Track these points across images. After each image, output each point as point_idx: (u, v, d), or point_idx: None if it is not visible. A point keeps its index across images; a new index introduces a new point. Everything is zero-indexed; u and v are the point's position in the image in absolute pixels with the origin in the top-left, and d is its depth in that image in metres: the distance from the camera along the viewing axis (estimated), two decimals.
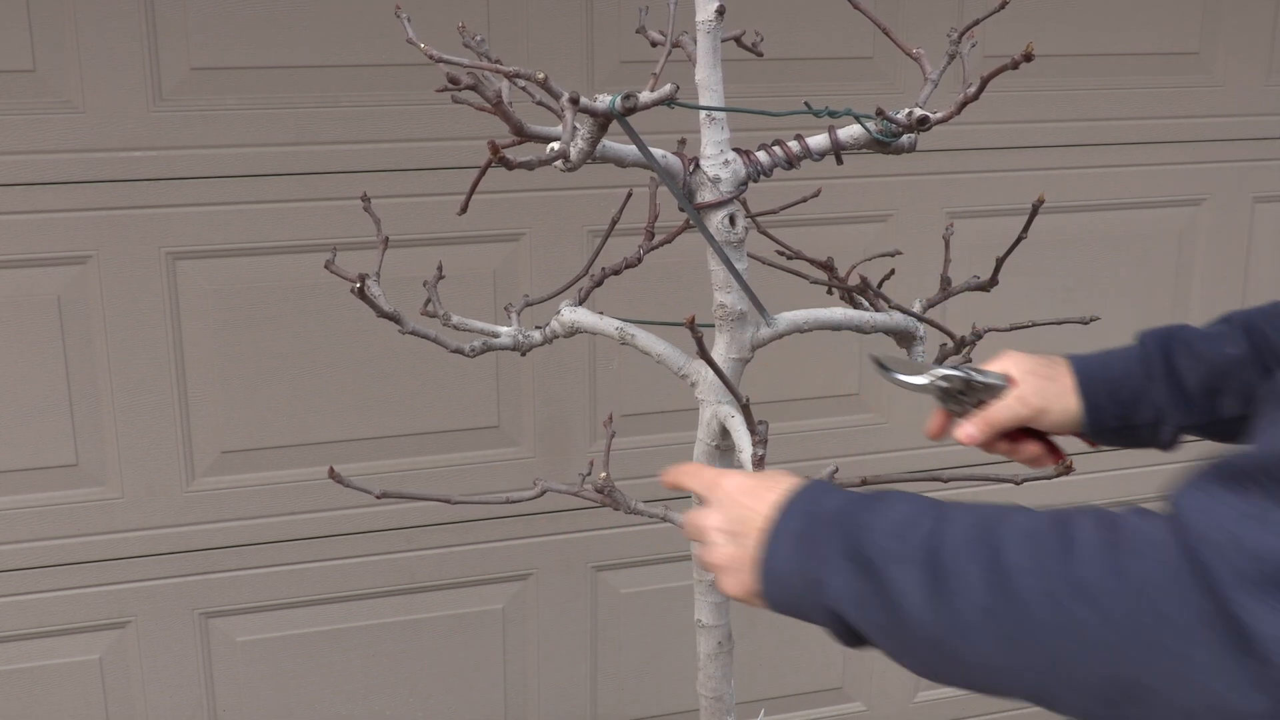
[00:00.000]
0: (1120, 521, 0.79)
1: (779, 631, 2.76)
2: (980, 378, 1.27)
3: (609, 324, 1.42)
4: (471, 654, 2.55)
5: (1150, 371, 1.26)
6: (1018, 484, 1.44)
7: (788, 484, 1.00)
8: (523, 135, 1.09)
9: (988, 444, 1.28)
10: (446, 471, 2.42)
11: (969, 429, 1.26)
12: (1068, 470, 1.33)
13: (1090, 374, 1.27)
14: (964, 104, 1.17)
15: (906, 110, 1.21)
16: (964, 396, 1.27)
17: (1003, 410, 1.25)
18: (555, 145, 1.08)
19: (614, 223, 1.56)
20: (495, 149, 1.02)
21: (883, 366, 1.33)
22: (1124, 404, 1.26)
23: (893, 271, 1.63)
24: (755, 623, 2.72)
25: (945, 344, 1.50)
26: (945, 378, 1.27)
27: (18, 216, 2.12)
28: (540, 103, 1.22)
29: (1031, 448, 1.29)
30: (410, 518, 2.43)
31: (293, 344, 2.30)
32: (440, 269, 1.54)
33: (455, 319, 1.46)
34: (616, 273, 1.52)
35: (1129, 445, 1.31)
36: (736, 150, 1.27)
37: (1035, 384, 1.26)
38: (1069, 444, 1.34)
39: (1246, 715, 0.70)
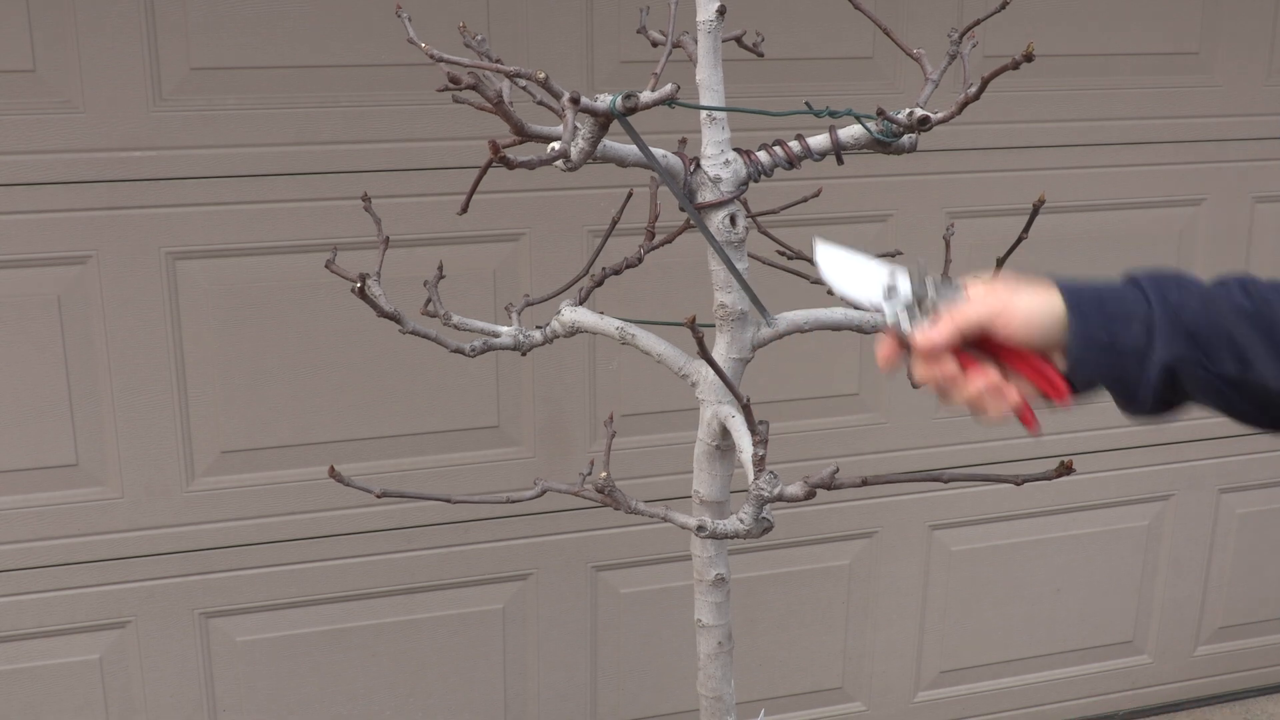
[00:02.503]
0: None
1: (779, 631, 2.76)
2: (940, 288, 1.08)
3: (609, 324, 1.42)
4: (471, 654, 2.56)
5: (1143, 294, 1.07)
6: (1018, 484, 1.44)
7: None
8: (523, 135, 1.09)
9: (946, 350, 1.06)
10: (446, 471, 2.42)
11: (928, 330, 1.06)
12: (1068, 470, 1.32)
13: (1073, 283, 1.08)
14: (964, 104, 1.17)
15: (907, 110, 1.21)
16: (916, 310, 1.08)
17: (968, 305, 1.06)
18: (556, 145, 1.08)
19: (614, 223, 1.56)
20: (496, 148, 1.02)
21: (826, 268, 1.15)
22: (1112, 316, 1.05)
23: None
24: (755, 623, 2.73)
25: None
26: (895, 288, 1.09)
27: (18, 216, 2.12)
28: (541, 102, 1.22)
29: (993, 377, 1.06)
30: (410, 518, 2.43)
31: (293, 344, 2.30)
32: (440, 269, 1.54)
33: (455, 319, 1.46)
34: (617, 273, 1.52)
35: (1111, 383, 1.06)
36: (737, 150, 1.27)
37: (1004, 282, 1.08)
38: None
39: None
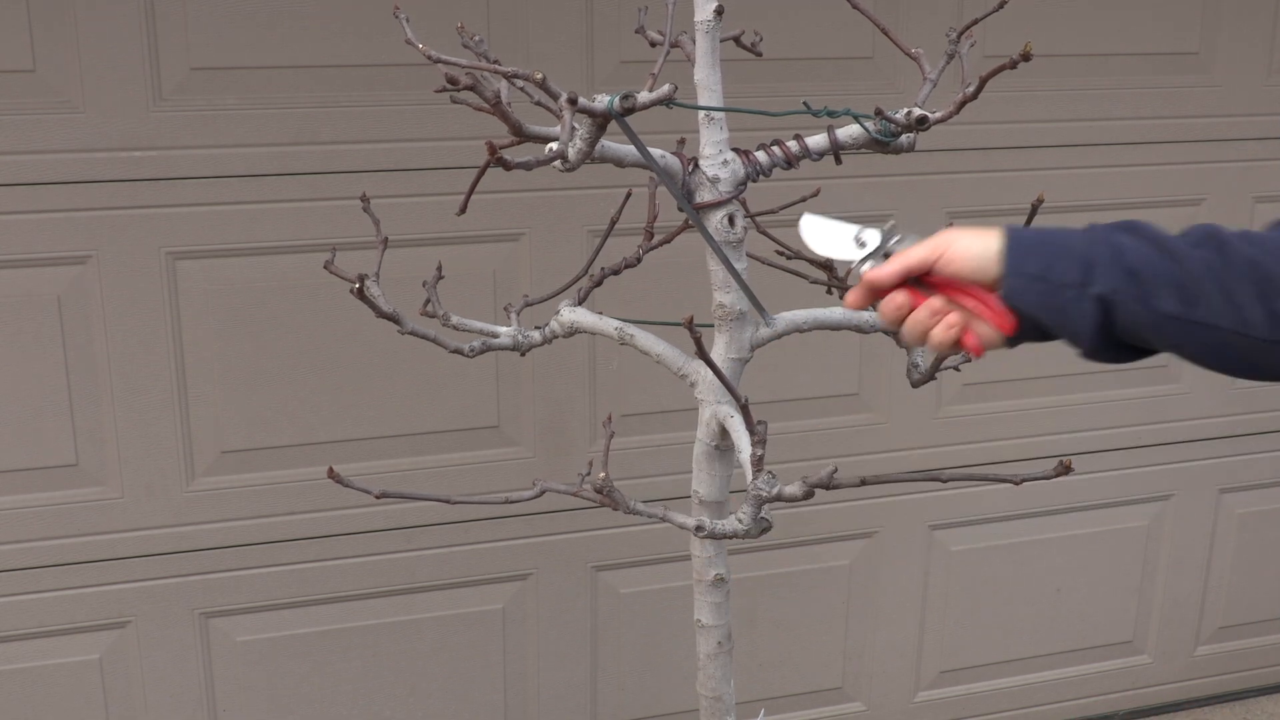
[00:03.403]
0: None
1: (779, 631, 2.76)
2: (902, 236, 1.16)
3: (608, 324, 1.42)
4: (471, 654, 2.56)
5: (1090, 236, 1.10)
6: (1017, 484, 1.44)
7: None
8: (521, 135, 1.09)
9: (891, 286, 1.14)
10: (446, 471, 2.42)
11: (877, 268, 1.14)
12: (1067, 470, 1.33)
13: (1021, 229, 1.13)
14: (963, 104, 1.17)
15: (905, 110, 1.21)
16: (882, 257, 1.16)
17: (914, 247, 1.14)
18: (554, 145, 1.08)
19: (613, 223, 1.56)
20: (493, 150, 1.02)
21: (808, 231, 1.21)
22: (1049, 255, 1.09)
23: None
24: (755, 623, 2.73)
25: None
26: (865, 238, 1.16)
27: (18, 216, 2.13)
28: (539, 103, 1.22)
29: (936, 304, 1.13)
30: (410, 518, 2.43)
31: (293, 344, 2.30)
32: (440, 269, 1.54)
33: (455, 319, 1.46)
34: (616, 273, 1.52)
35: (1049, 319, 1.10)
36: (735, 150, 1.27)
37: (954, 228, 1.15)
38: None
39: None
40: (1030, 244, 1.10)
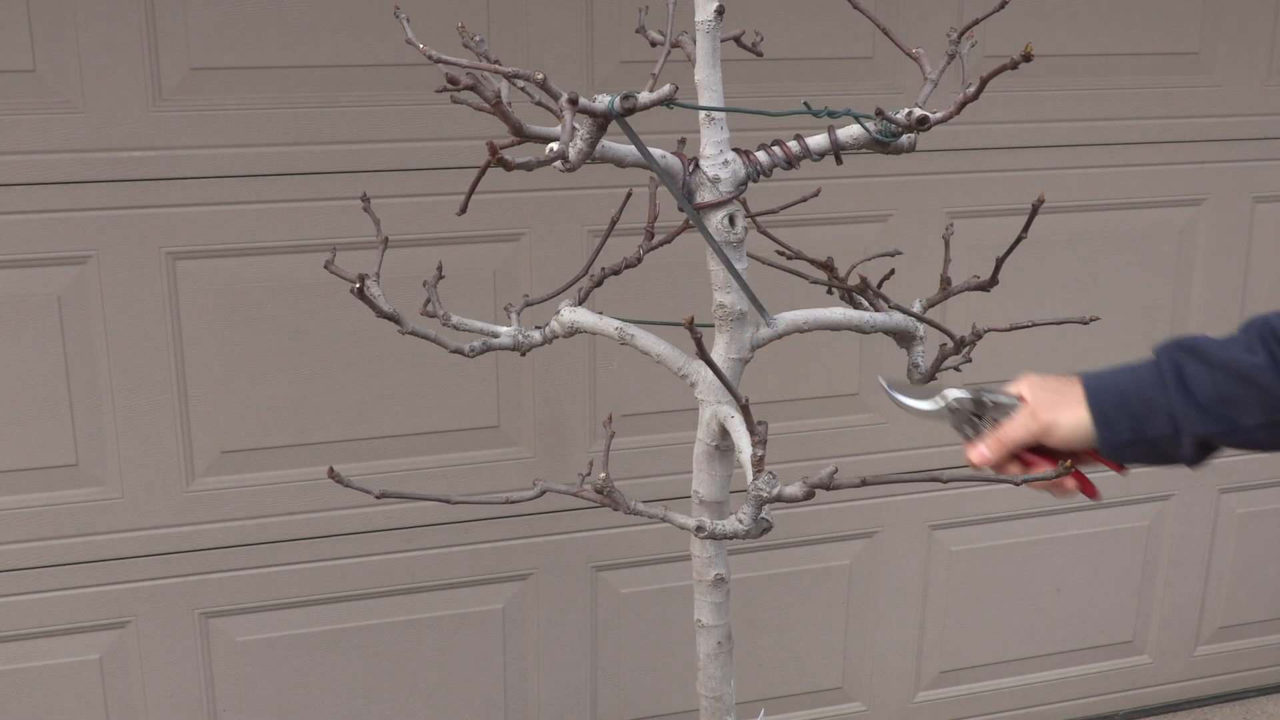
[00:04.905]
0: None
1: (779, 631, 2.76)
2: (991, 398, 1.28)
3: (609, 324, 1.42)
4: (471, 654, 2.56)
5: (1162, 380, 1.23)
6: (1017, 484, 1.44)
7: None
8: (522, 135, 1.09)
9: (1001, 464, 1.28)
10: (446, 471, 2.42)
11: (981, 449, 1.28)
12: (1067, 470, 1.33)
13: (1100, 387, 1.26)
14: (963, 104, 1.17)
15: (906, 110, 1.21)
16: (977, 420, 1.29)
17: (1014, 427, 1.26)
18: (554, 146, 1.08)
19: (614, 223, 1.56)
20: (494, 150, 1.02)
21: (892, 393, 1.34)
22: (1136, 415, 1.23)
23: (893, 271, 1.63)
24: (755, 623, 2.73)
25: (945, 344, 1.50)
26: (956, 400, 1.29)
27: (18, 216, 2.13)
28: (539, 103, 1.22)
29: (1046, 468, 1.28)
30: (410, 518, 2.43)
31: (293, 344, 2.30)
32: (440, 269, 1.54)
33: (455, 319, 1.46)
34: (616, 273, 1.52)
35: (1153, 462, 1.27)
36: (736, 150, 1.27)
37: (1045, 398, 1.26)
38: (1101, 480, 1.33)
39: None
40: (1113, 409, 1.24)
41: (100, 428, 2.24)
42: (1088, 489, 1.29)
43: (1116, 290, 2.77)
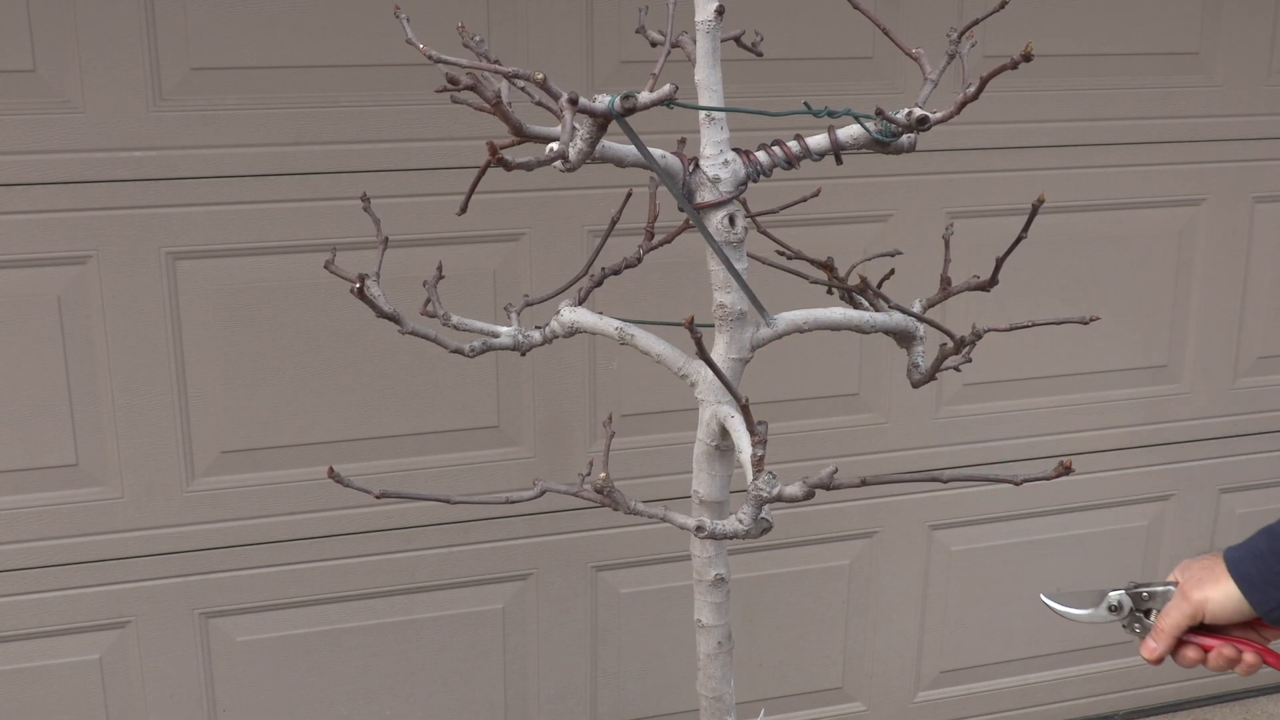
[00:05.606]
0: None
1: (779, 631, 2.76)
2: (1148, 590, 1.34)
3: (609, 324, 1.42)
4: (471, 654, 2.56)
5: None
6: (1017, 484, 1.44)
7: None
8: (522, 135, 1.09)
9: (1176, 653, 1.32)
10: (446, 471, 2.42)
11: (1149, 643, 1.34)
12: (1067, 470, 1.32)
13: (1238, 555, 1.29)
14: (963, 104, 1.17)
15: (906, 110, 1.21)
16: (1141, 614, 1.36)
17: (1170, 613, 1.31)
18: (554, 146, 1.08)
19: (614, 223, 1.56)
20: (494, 150, 1.01)
21: (1056, 607, 1.41)
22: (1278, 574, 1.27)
23: (893, 271, 1.63)
24: (755, 623, 2.73)
25: (945, 344, 1.50)
26: (1116, 600, 1.37)
27: (18, 216, 2.13)
28: (539, 103, 1.22)
29: (1227, 651, 1.31)
30: (410, 518, 2.43)
31: (293, 344, 2.30)
32: (440, 269, 1.54)
33: (455, 319, 1.46)
34: (616, 273, 1.52)
35: None
36: (736, 150, 1.26)
37: (1193, 576, 1.29)
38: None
39: None
40: (1259, 584, 1.28)
41: (100, 428, 2.24)
42: (1271, 660, 1.31)
43: (1116, 290, 2.77)
